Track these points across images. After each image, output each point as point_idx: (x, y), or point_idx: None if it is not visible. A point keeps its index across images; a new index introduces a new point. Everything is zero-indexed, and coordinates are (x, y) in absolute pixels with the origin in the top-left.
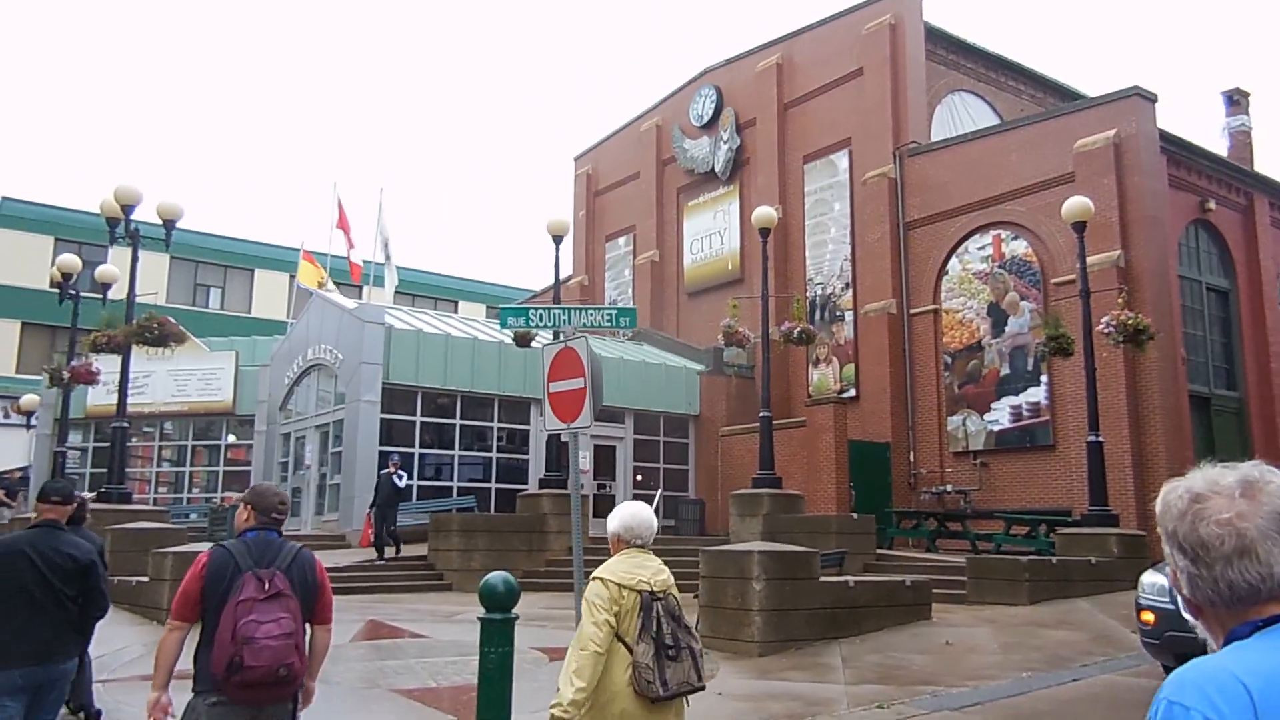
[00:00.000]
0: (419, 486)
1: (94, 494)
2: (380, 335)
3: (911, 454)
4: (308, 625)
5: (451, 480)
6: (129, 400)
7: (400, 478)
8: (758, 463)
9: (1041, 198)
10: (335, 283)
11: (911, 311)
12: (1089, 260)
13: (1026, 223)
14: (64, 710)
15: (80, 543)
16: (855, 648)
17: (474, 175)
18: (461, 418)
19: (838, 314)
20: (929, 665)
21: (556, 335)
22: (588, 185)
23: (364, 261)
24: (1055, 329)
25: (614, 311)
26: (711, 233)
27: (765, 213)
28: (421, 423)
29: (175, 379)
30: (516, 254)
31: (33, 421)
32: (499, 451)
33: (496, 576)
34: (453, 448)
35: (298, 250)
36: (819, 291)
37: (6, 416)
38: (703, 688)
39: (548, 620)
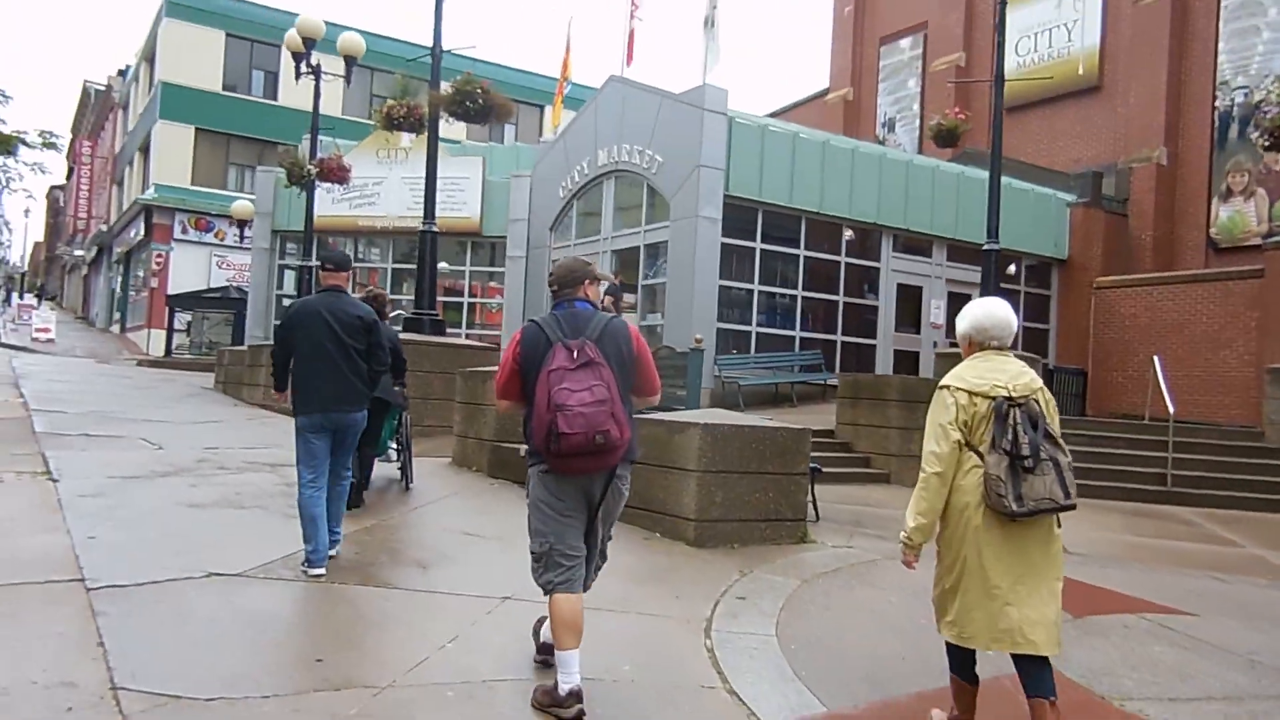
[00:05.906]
0: (757, 335)
1: (399, 325)
2: (722, 130)
3: None
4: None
5: (793, 329)
6: (357, 213)
7: None
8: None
9: None
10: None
11: None
12: None
13: None
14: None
15: (362, 304)
16: None
17: None
18: (806, 248)
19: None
20: None
21: None
22: None
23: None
24: None
25: None
26: (1053, 26)
27: None
28: (761, 251)
29: (411, 188)
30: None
31: (246, 234)
32: (846, 294)
33: None
34: (795, 286)
35: (509, 68)
36: (1234, 100)
37: (184, 232)
38: (1072, 506)
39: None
